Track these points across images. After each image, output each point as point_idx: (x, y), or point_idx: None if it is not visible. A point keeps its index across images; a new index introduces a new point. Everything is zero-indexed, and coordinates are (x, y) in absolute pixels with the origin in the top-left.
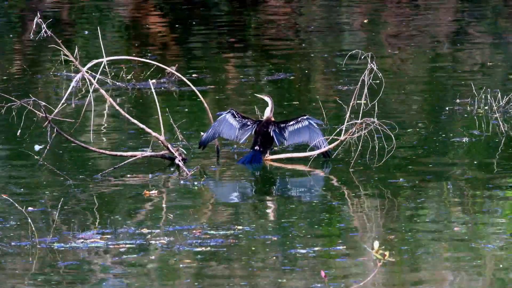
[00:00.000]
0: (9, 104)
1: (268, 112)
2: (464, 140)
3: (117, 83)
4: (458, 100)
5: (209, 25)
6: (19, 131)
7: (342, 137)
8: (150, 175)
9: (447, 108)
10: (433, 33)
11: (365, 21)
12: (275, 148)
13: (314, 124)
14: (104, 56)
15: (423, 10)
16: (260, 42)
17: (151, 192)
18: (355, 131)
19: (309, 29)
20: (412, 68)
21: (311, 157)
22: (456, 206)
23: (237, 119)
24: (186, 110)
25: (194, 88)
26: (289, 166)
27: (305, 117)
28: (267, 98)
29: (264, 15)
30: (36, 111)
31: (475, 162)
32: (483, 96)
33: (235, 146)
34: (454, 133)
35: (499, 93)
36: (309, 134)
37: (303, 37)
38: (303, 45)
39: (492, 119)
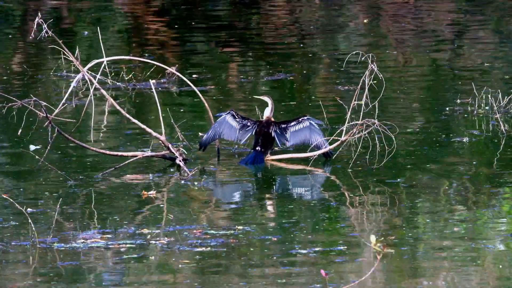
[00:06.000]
0: (10, 104)
1: (268, 112)
2: (464, 140)
3: (117, 83)
4: (458, 100)
5: (209, 25)
6: (20, 130)
7: (343, 138)
8: (150, 175)
9: (447, 108)
10: (433, 33)
11: (365, 20)
12: (276, 148)
13: (315, 125)
14: (104, 56)
15: (424, 9)
16: (260, 42)
17: (149, 192)
18: (356, 132)
19: (309, 29)
20: (413, 68)
21: (311, 158)
22: (456, 206)
23: (237, 120)
24: (186, 110)
25: (195, 88)
26: (290, 166)
27: (305, 118)
28: (266, 99)
29: (264, 15)
30: (37, 111)
31: (475, 162)
32: (483, 96)
33: (236, 146)
34: (455, 133)
35: (500, 93)
36: (310, 134)
37: (303, 37)
38: (303, 45)
39: (493, 119)
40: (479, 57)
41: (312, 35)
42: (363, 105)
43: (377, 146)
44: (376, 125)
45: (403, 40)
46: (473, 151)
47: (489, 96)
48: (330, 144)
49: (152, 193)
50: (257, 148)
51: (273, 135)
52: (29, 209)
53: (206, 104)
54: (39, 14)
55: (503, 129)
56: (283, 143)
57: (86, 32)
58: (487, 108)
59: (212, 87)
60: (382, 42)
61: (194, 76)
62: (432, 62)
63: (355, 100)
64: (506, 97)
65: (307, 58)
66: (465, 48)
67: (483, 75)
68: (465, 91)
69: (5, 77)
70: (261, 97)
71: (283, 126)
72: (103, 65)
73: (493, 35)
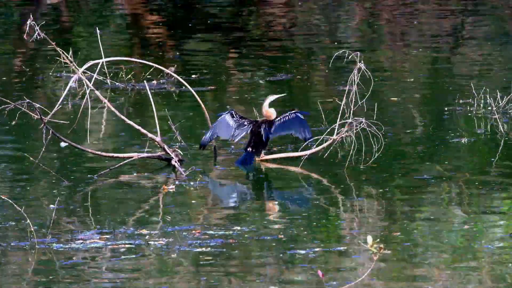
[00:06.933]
0: (3, 106)
1: (271, 99)
2: (463, 141)
3: (116, 84)
4: (458, 101)
5: (208, 25)
6: (23, 131)
7: (334, 137)
8: (148, 175)
9: (446, 109)
10: (433, 33)
11: (364, 21)
12: (274, 149)
13: (300, 116)
14: (103, 56)
15: (423, 9)
16: (259, 42)
17: (169, 187)
18: (345, 131)
19: (309, 29)
20: (412, 69)
21: (302, 158)
22: (455, 207)
23: (234, 119)
24: (185, 111)
25: (191, 89)
26: (288, 167)
27: (293, 112)
28: (272, 97)
29: (264, 15)
30: (32, 114)
31: (474, 163)
32: (482, 97)
33: (233, 146)
34: (454, 134)
35: (499, 93)
36: (294, 125)
37: (302, 37)
38: (303, 45)
39: (492, 119)
40: (479, 57)
41: (312, 35)
42: (352, 104)
43: (376, 146)
44: (363, 124)
45: (402, 40)
46: (472, 152)
47: (488, 96)
48: (321, 143)
49: (172, 187)
50: (248, 149)
51: (262, 133)
52: (27, 210)
53: (202, 105)
54: (31, 16)
55: (502, 130)
56: (267, 137)
57: (83, 32)
58: (486, 108)
59: (212, 87)
60: (381, 42)
61: (193, 76)
62: (432, 62)
63: (347, 99)
64: (505, 97)
65: (307, 58)
66: (465, 48)
67: (482, 76)
68: (464, 91)
69: (4, 78)
70: (269, 99)
71: (271, 122)
72: (99, 66)
73: (492, 35)
